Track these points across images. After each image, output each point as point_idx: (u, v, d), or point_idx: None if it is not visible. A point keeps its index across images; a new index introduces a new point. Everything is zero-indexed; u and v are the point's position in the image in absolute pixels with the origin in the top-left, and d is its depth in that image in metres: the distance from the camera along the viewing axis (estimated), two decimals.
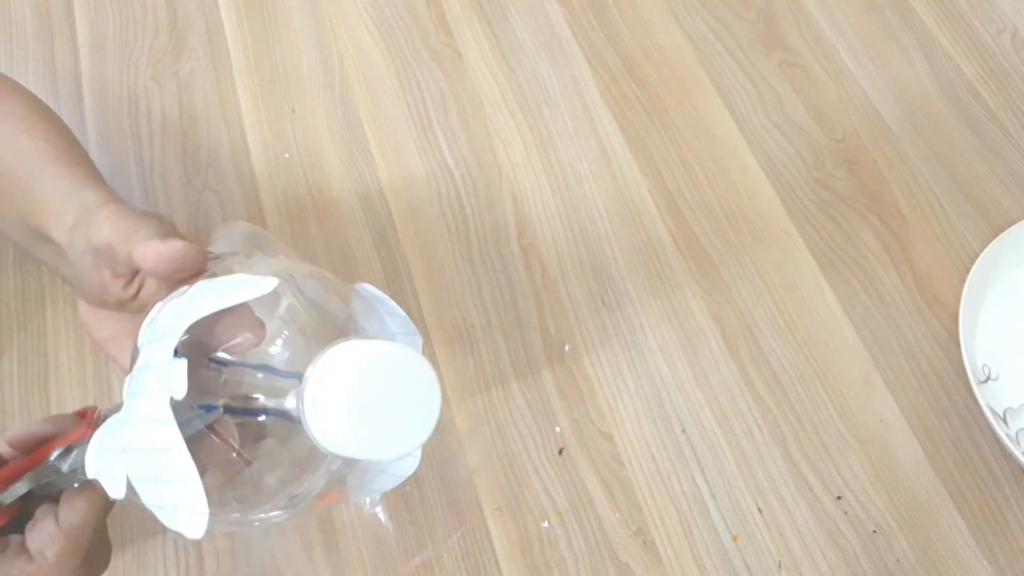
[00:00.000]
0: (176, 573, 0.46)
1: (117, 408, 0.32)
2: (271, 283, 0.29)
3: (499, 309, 0.53)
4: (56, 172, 0.44)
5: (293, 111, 0.60)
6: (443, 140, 0.59)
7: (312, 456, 0.31)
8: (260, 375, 0.30)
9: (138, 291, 0.38)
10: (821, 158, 0.60)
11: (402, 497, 0.48)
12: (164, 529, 0.46)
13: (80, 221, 0.40)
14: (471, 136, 0.60)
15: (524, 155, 0.59)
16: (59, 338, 0.52)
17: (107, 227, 0.37)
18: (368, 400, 0.27)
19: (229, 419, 0.30)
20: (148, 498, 0.30)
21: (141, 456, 0.30)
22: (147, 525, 0.47)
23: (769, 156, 0.60)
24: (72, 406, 0.50)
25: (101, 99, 0.60)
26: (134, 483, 0.30)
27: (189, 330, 0.29)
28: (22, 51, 0.62)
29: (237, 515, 0.32)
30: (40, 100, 0.49)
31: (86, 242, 0.38)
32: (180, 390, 0.28)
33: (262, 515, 0.32)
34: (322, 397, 0.27)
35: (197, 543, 0.47)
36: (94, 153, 0.58)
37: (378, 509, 0.48)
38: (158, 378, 0.29)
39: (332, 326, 0.33)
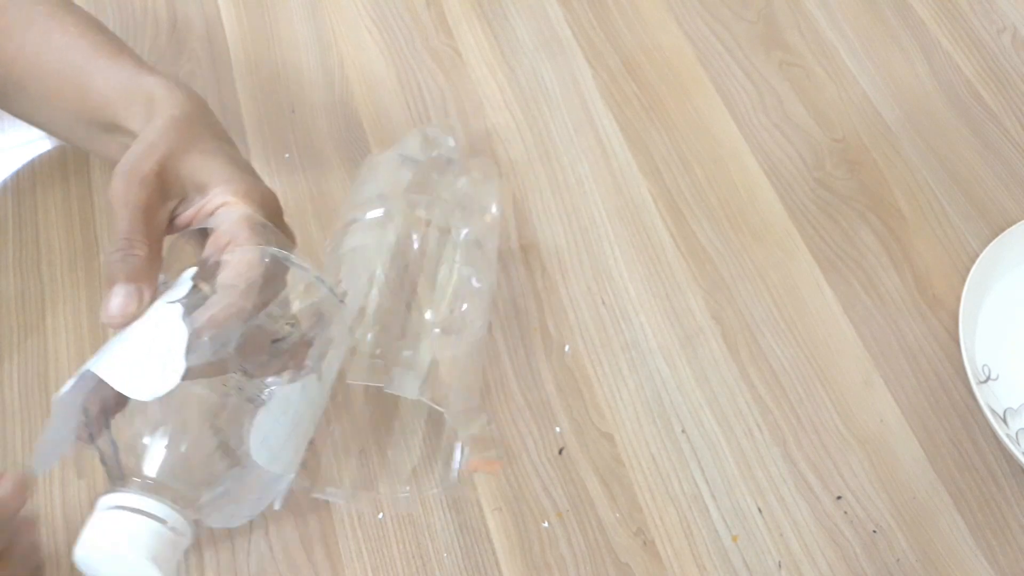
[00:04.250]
0: (176, 573, 0.46)
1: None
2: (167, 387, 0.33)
3: (499, 309, 0.53)
4: (105, 64, 0.44)
5: (293, 111, 0.60)
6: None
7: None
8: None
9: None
10: (821, 158, 0.60)
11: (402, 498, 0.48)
12: None
13: (150, 112, 0.41)
14: (471, 136, 0.60)
15: (524, 155, 0.59)
16: (59, 338, 0.52)
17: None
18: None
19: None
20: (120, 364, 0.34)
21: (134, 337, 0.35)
22: None
23: (769, 156, 0.60)
24: None
25: None
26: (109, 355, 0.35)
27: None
28: None
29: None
30: (72, 2, 0.49)
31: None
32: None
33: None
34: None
35: (197, 543, 0.47)
36: None
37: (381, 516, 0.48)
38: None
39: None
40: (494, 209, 0.51)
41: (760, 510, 0.48)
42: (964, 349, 0.51)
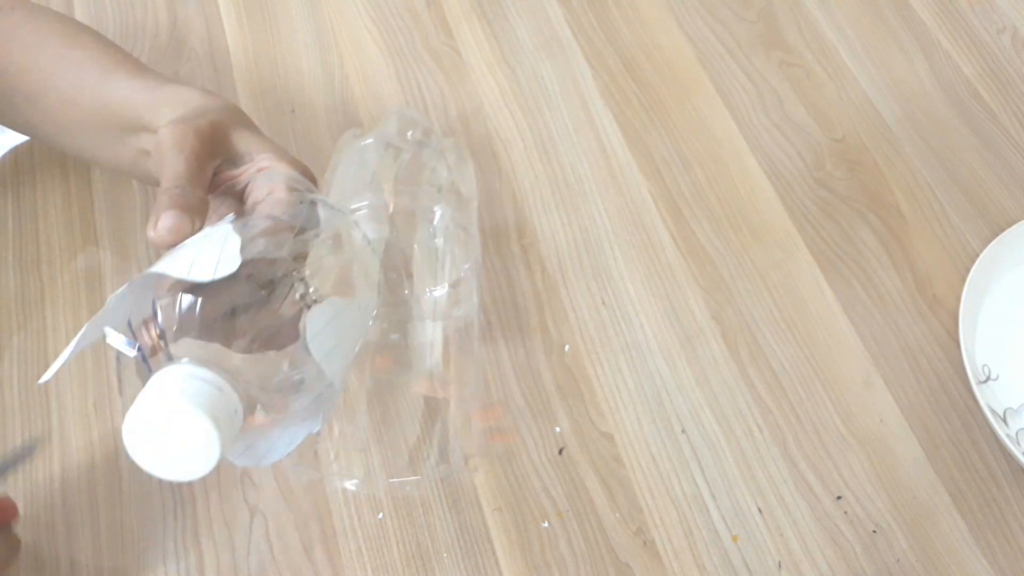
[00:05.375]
0: (176, 573, 0.46)
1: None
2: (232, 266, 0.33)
3: (499, 309, 0.53)
4: (127, 75, 0.46)
5: (293, 111, 0.60)
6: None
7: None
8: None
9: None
10: (821, 158, 0.60)
11: (402, 496, 0.48)
12: (164, 529, 0.47)
13: (184, 115, 0.42)
14: (471, 136, 0.60)
15: (524, 155, 0.59)
16: (59, 338, 0.52)
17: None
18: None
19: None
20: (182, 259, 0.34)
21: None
22: (147, 525, 0.47)
23: (769, 156, 0.60)
24: (72, 406, 0.50)
25: None
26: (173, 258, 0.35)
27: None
28: None
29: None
30: (75, 19, 0.51)
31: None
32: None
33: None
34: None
35: (197, 543, 0.47)
36: None
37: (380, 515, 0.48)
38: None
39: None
40: (468, 189, 0.51)
41: (760, 510, 0.48)
42: (964, 349, 0.51)
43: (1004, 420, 0.51)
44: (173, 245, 0.37)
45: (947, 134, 0.61)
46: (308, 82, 0.62)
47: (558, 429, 0.50)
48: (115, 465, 0.48)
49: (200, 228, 0.38)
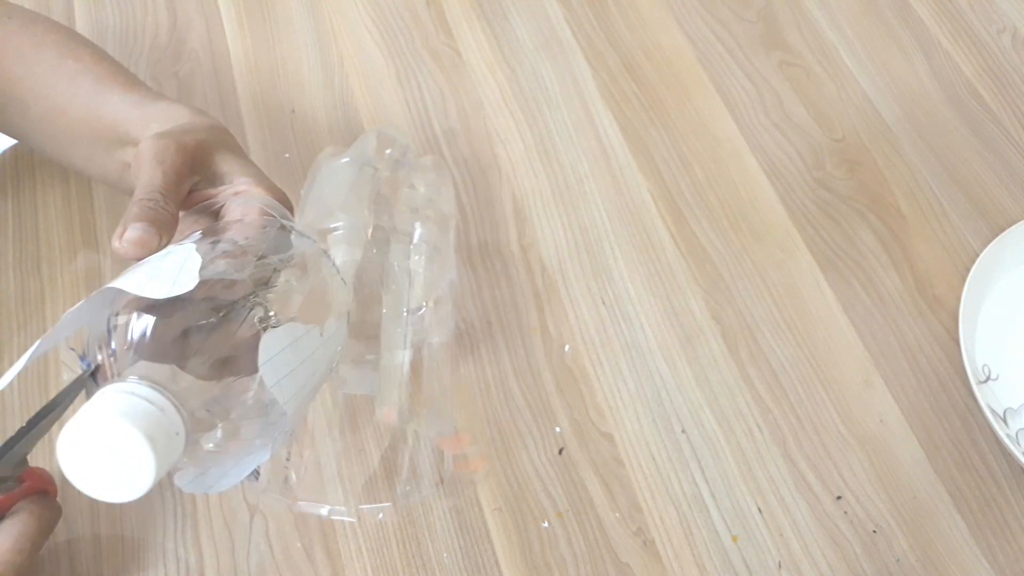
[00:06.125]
0: (176, 573, 0.46)
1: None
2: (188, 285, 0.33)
3: (499, 309, 0.53)
4: (120, 89, 0.46)
5: (293, 111, 0.60)
6: (443, 140, 0.59)
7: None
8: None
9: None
10: (821, 158, 0.60)
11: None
12: (164, 529, 0.46)
13: (171, 129, 0.42)
14: (471, 136, 0.60)
15: (524, 155, 0.59)
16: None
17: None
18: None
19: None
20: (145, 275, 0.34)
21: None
22: (147, 525, 0.47)
23: (769, 156, 0.60)
24: (72, 406, 0.50)
25: None
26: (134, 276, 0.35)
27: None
28: None
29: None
30: (73, 29, 0.51)
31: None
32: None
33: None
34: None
35: (197, 543, 0.47)
36: None
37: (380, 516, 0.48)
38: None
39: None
40: (447, 208, 0.52)
41: (760, 510, 0.48)
42: (964, 349, 0.51)
43: (1004, 420, 0.51)
44: (137, 258, 0.37)
45: (947, 134, 0.61)
46: (308, 82, 0.62)
47: (558, 429, 0.50)
48: None
49: (167, 244, 0.37)
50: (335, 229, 0.47)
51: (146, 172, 0.39)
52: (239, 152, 0.44)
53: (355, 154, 0.50)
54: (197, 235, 0.38)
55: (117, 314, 0.34)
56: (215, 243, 0.37)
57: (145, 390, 0.31)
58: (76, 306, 0.34)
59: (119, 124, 0.44)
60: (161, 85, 0.61)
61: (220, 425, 0.35)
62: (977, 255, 0.54)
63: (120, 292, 0.34)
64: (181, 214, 0.41)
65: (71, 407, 0.37)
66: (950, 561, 0.47)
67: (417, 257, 0.48)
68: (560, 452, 0.49)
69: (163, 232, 0.37)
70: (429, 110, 0.61)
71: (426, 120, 0.60)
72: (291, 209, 0.43)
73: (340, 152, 0.51)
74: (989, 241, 0.55)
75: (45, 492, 0.43)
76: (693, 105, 0.62)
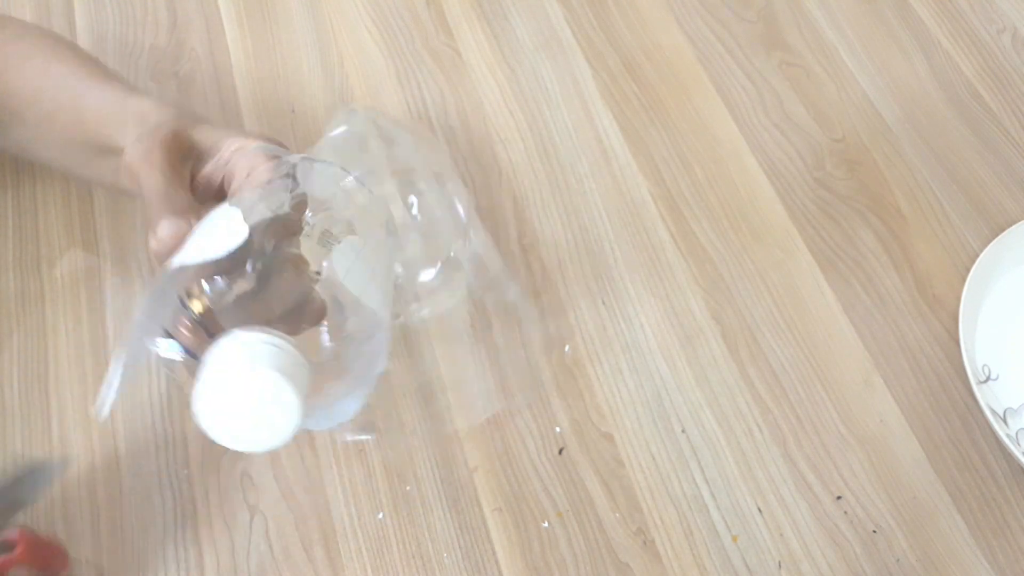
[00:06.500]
0: (176, 573, 0.46)
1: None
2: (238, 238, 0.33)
3: (499, 309, 0.53)
4: (100, 86, 0.46)
5: (293, 111, 0.60)
6: (443, 140, 0.59)
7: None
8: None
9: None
10: (821, 158, 0.60)
11: (402, 496, 0.48)
12: (164, 529, 0.47)
13: (141, 134, 0.42)
14: (471, 136, 0.60)
15: (524, 155, 0.59)
16: (59, 338, 0.52)
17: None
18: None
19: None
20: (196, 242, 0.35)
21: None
22: (147, 525, 0.47)
23: (769, 156, 0.60)
24: (72, 406, 0.50)
25: None
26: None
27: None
28: None
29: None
30: (61, 35, 0.51)
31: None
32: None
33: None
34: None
35: (197, 543, 0.47)
36: None
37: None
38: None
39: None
40: (441, 171, 0.52)
41: (760, 510, 0.48)
42: (964, 349, 0.51)
43: (1004, 420, 0.51)
44: (176, 251, 0.37)
45: (947, 134, 0.61)
46: (308, 82, 0.62)
47: (558, 429, 0.50)
48: (115, 465, 0.48)
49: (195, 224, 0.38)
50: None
51: (144, 178, 0.39)
52: (212, 122, 0.44)
53: (349, 126, 0.51)
54: (224, 205, 0.38)
55: (191, 289, 0.34)
56: (244, 196, 0.37)
57: (256, 335, 0.30)
58: (142, 304, 0.34)
59: (100, 128, 0.45)
60: (161, 85, 0.61)
61: (330, 355, 0.35)
62: (977, 255, 0.54)
63: (180, 270, 0.34)
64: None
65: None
66: (950, 561, 0.47)
67: (418, 220, 0.48)
68: (560, 452, 0.49)
69: (189, 217, 0.38)
70: (429, 110, 0.61)
71: (426, 120, 0.60)
72: (285, 147, 0.43)
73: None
74: (989, 241, 0.55)
75: (43, 561, 0.40)
76: (693, 105, 0.61)
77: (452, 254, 0.48)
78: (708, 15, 0.66)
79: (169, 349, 0.33)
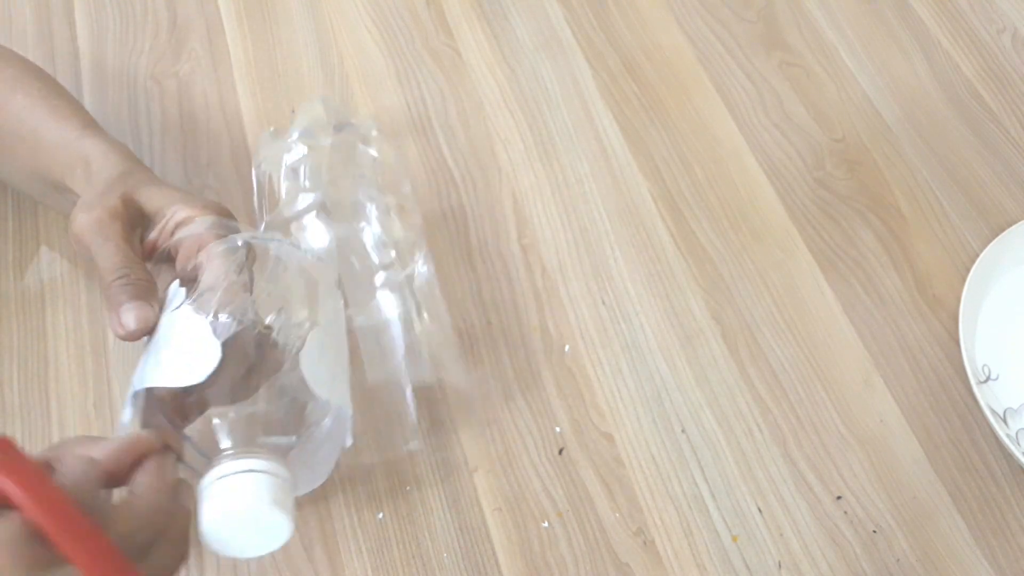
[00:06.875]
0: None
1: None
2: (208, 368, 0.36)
3: (499, 309, 0.53)
4: (57, 123, 0.46)
5: (293, 111, 0.60)
6: (443, 140, 0.59)
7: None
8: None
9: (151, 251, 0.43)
10: (821, 158, 0.60)
11: (402, 496, 0.48)
12: None
13: (87, 174, 0.43)
14: (471, 136, 0.60)
15: (524, 155, 0.59)
16: (59, 338, 0.52)
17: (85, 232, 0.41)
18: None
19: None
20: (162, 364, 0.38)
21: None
22: None
23: (769, 156, 0.60)
24: (72, 406, 0.50)
25: (101, 99, 0.60)
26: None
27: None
28: (22, 51, 0.62)
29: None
30: (29, 60, 0.51)
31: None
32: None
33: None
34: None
35: (197, 543, 0.46)
36: None
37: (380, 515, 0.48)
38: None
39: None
40: (394, 164, 0.53)
41: (760, 510, 0.48)
42: (964, 349, 0.51)
43: (1004, 420, 0.51)
44: (143, 336, 0.38)
45: (947, 134, 0.61)
46: (308, 82, 0.62)
47: (558, 429, 0.50)
48: None
49: (158, 311, 0.39)
50: (305, 211, 0.48)
51: (98, 253, 0.40)
52: (156, 180, 0.45)
53: (301, 131, 0.51)
54: (177, 289, 0.40)
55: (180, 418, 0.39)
56: (203, 296, 0.39)
57: (249, 462, 0.34)
58: (124, 420, 0.37)
59: (52, 166, 0.45)
60: (161, 85, 0.61)
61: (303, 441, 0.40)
62: (977, 255, 0.54)
63: (152, 391, 0.38)
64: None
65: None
66: (950, 561, 0.47)
67: (376, 221, 0.49)
68: (560, 452, 0.49)
69: (151, 300, 0.39)
70: (429, 110, 0.61)
71: (426, 120, 0.60)
72: (232, 217, 0.44)
73: (282, 131, 0.52)
74: (989, 241, 0.55)
75: None
76: (693, 105, 0.61)
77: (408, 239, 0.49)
78: (708, 15, 0.66)
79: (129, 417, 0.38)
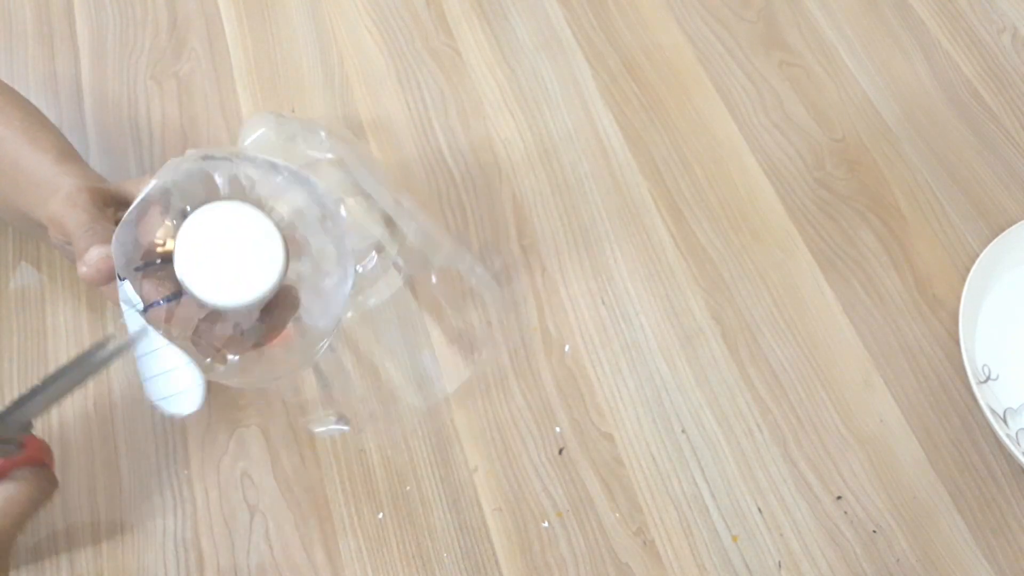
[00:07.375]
0: (176, 573, 0.46)
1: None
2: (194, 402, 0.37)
3: (499, 309, 0.53)
4: (36, 155, 0.46)
5: (293, 111, 0.60)
6: (443, 140, 0.59)
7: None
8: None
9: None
10: (821, 158, 0.60)
11: (402, 496, 0.48)
12: (164, 529, 0.47)
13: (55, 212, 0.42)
14: (471, 136, 0.60)
15: (524, 155, 0.59)
16: (59, 339, 0.52)
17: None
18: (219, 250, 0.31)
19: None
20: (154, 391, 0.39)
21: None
22: (147, 526, 0.47)
23: (769, 156, 0.60)
24: (72, 406, 0.50)
25: (101, 99, 0.60)
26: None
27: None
28: (22, 51, 0.62)
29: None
30: (12, 88, 0.51)
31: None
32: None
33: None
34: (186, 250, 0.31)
35: (197, 543, 0.47)
36: (94, 154, 0.58)
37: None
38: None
39: None
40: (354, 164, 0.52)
41: (760, 510, 0.48)
42: (964, 349, 0.51)
43: (1004, 420, 0.51)
44: (104, 276, 0.38)
45: (947, 134, 0.61)
46: (308, 82, 0.62)
47: (558, 429, 0.50)
48: (115, 465, 0.48)
49: None
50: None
51: (69, 219, 0.40)
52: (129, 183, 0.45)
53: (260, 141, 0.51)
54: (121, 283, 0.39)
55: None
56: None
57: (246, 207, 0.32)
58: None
59: (28, 198, 0.45)
60: (161, 85, 0.61)
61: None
62: (977, 255, 0.54)
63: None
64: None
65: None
66: (950, 561, 0.47)
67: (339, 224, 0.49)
68: (560, 452, 0.49)
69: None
70: (429, 110, 0.61)
71: (426, 120, 0.60)
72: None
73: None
74: (989, 241, 0.55)
75: (42, 463, 0.43)
76: (693, 105, 0.61)
77: (381, 243, 0.49)
78: (708, 15, 0.66)
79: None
